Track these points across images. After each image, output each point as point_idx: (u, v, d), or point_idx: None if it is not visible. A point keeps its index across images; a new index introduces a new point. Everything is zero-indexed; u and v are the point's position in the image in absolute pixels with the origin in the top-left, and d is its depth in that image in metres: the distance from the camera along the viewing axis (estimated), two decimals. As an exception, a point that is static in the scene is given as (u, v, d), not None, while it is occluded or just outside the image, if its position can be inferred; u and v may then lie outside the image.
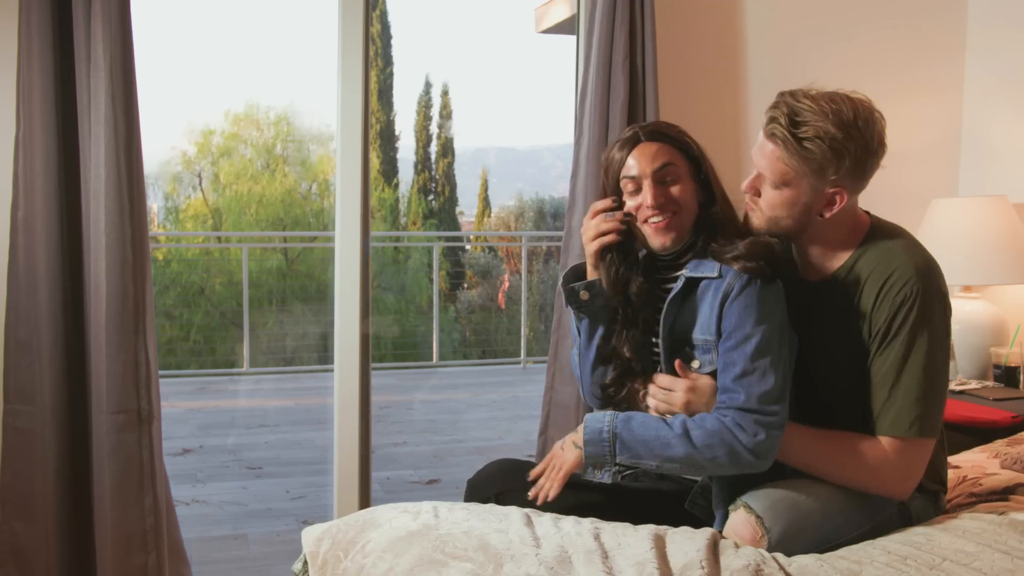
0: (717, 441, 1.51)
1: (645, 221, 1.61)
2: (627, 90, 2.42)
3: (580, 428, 1.61)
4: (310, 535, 1.57)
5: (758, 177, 1.63)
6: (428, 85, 12.06)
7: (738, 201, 1.69)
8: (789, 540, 1.47)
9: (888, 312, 1.57)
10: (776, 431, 1.51)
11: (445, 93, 12.02)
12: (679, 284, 1.60)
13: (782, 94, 1.62)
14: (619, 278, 1.65)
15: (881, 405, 1.57)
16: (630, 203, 1.62)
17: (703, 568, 1.35)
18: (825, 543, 1.50)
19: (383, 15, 11.19)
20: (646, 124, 1.67)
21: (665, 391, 1.61)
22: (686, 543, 1.43)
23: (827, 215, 1.61)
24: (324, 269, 8.35)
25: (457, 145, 12.04)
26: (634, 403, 1.71)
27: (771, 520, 1.48)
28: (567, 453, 1.61)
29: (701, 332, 1.58)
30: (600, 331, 1.70)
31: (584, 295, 1.68)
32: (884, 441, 1.56)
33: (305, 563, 1.57)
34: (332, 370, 2.45)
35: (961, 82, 3.03)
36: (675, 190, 1.60)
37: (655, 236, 1.61)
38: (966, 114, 3.03)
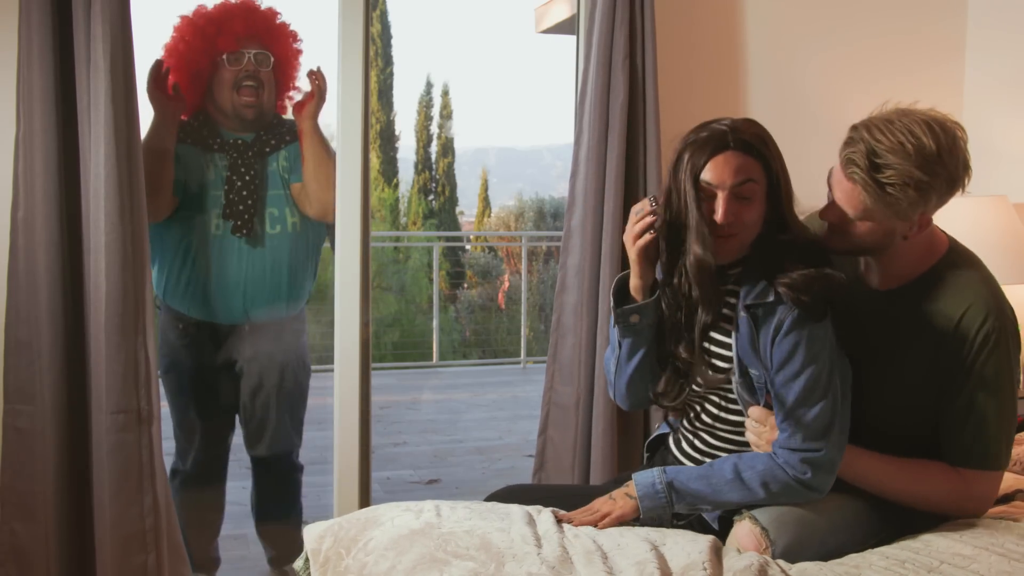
0: (771, 480, 1.51)
1: (716, 235, 1.54)
2: (627, 90, 2.41)
3: (629, 484, 1.60)
4: (312, 533, 1.58)
5: (835, 206, 1.59)
6: (428, 85, 12.06)
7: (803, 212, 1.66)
8: (793, 554, 1.47)
9: (971, 343, 1.56)
10: (824, 466, 1.51)
11: (445, 93, 12.03)
12: (741, 314, 1.56)
13: (856, 128, 1.56)
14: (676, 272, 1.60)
15: (964, 436, 1.58)
16: (700, 207, 1.53)
17: (705, 569, 1.35)
18: (830, 557, 1.50)
19: (383, 15, 11.19)
20: (738, 126, 1.55)
21: (756, 424, 1.58)
22: (687, 545, 1.43)
23: (910, 237, 1.59)
24: (324, 269, 8.34)
25: (457, 145, 12.05)
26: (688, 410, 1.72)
27: (776, 532, 1.48)
28: (619, 502, 1.59)
29: (758, 364, 1.56)
30: (642, 352, 1.66)
31: (635, 318, 1.63)
32: (966, 472, 1.58)
33: (307, 561, 1.57)
34: (332, 370, 2.44)
35: (961, 82, 3.03)
36: (748, 211, 1.53)
37: (716, 248, 1.54)
38: (966, 114, 3.03)
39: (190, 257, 2.49)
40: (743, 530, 1.51)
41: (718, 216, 1.52)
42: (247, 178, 2.48)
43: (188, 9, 2.47)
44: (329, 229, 2.61)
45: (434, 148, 12.02)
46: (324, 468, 4.44)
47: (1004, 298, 1.62)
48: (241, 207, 2.47)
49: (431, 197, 11.93)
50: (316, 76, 2.47)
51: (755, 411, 1.59)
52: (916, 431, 1.63)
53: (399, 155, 11.68)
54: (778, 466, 1.51)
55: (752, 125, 1.58)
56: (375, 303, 8.39)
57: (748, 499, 1.53)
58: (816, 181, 2.67)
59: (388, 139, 11.65)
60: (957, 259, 1.65)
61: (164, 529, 2.15)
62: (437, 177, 11.97)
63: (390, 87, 11.67)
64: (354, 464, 2.43)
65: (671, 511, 1.57)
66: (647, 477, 1.59)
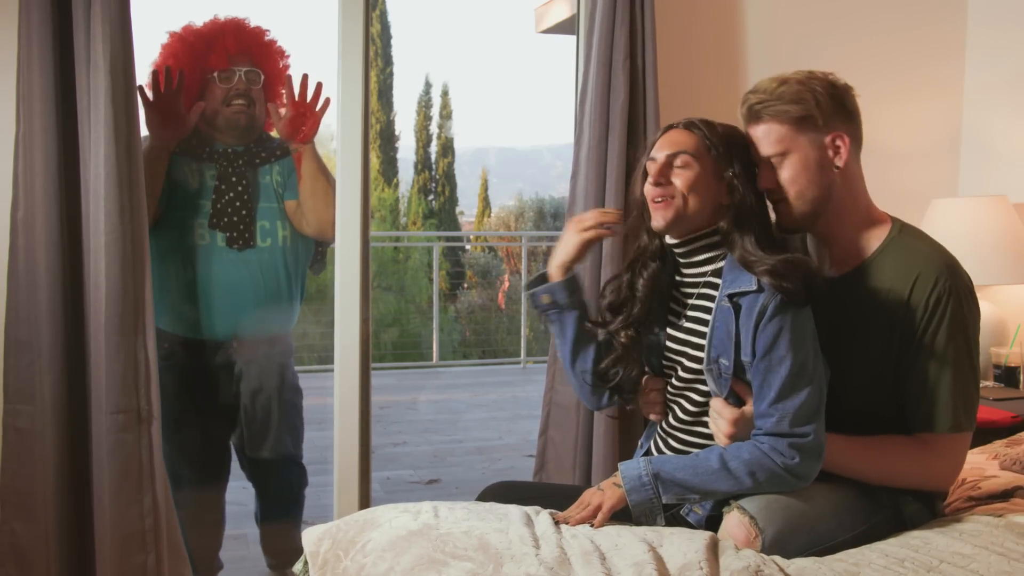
0: (757, 468, 1.51)
1: (652, 201, 1.63)
2: (627, 90, 2.41)
3: (616, 474, 1.61)
4: (310, 535, 1.58)
5: (765, 167, 1.66)
6: (428, 85, 12.08)
7: None
8: (783, 541, 1.48)
9: (922, 311, 1.59)
10: (812, 451, 1.51)
11: (445, 93, 12.04)
12: (723, 303, 1.58)
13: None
14: (633, 266, 1.69)
15: (922, 403, 1.59)
16: (645, 189, 1.65)
17: (702, 569, 1.35)
18: (818, 544, 1.51)
19: (383, 15, 11.19)
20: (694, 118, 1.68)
21: (715, 415, 1.60)
22: (684, 544, 1.43)
23: (840, 164, 1.65)
24: (324, 271, 8.33)
25: (457, 145, 12.06)
26: (640, 398, 1.73)
27: (765, 521, 1.48)
28: (607, 492, 1.60)
29: (743, 354, 1.56)
30: (569, 336, 1.76)
31: (546, 298, 1.75)
32: (928, 438, 1.59)
33: (305, 563, 1.57)
34: (332, 370, 2.45)
35: (961, 82, 3.03)
36: (679, 174, 1.60)
37: (653, 216, 1.63)
38: (966, 114, 3.03)
39: (172, 270, 2.44)
40: (732, 521, 1.51)
41: (650, 179, 1.63)
42: (239, 188, 2.46)
43: (176, 26, 2.48)
44: (319, 245, 2.61)
45: (434, 148, 12.03)
46: (324, 468, 4.45)
47: (955, 262, 1.64)
48: (235, 218, 2.45)
49: (431, 197, 11.94)
50: (317, 97, 2.44)
51: (715, 403, 1.60)
52: (887, 410, 1.64)
53: (399, 155, 11.70)
54: (764, 454, 1.51)
55: (706, 119, 1.65)
56: (375, 303, 8.40)
57: (735, 488, 1.53)
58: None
59: (388, 139, 11.66)
60: (902, 234, 1.68)
61: (164, 529, 2.15)
62: (437, 177, 11.98)
63: (390, 87, 11.68)
64: (354, 464, 2.43)
65: (659, 502, 1.57)
66: (633, 468, 1.58)
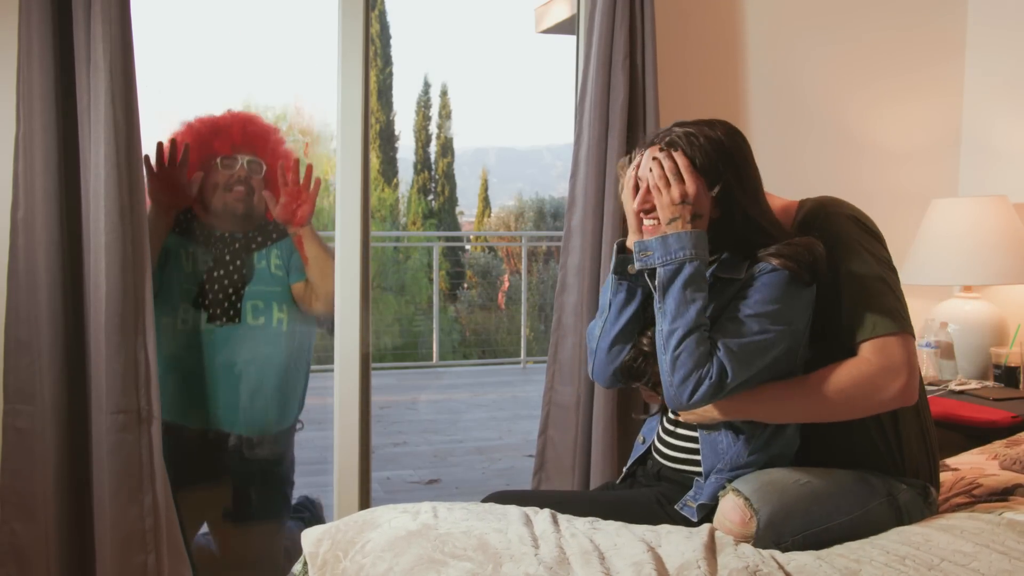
0: (692, 365, 1.51)
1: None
2: (627, 90, 2.42)
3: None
4: (309, 536, 1.58)
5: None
6: (427, 85, 12.08)
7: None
8: (778, 522, 1.49)
9: (828, 252, 1.62)
10: (714, 389, 1.51)
11: (444, 93, 12.04)
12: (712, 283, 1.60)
13: None
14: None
15: (848, 320, 1.61)
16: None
17: (700, 568, 1.35)
18: (814, 526, 1.52)
19: (382, 15, 11.20)
20: (682, 125, 1.64)
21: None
22: (682, 543, 1.43)
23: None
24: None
25: (457, 145, 12.06)
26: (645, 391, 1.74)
27: (759, 502, 1.50)
28: None
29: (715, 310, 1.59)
30: (632, 309, 1.69)
31: (632, 268, 1.67)
32: (864, 350, 1.59)
33: (305, 564, 1.57)
34: (332, 370, 2.45)
35: (961, 82, 3.03)
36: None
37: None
38: (966, 114, 3.03)
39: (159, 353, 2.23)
40: (728, 504, 1.52)
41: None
42: (230, 268, 2.46)
43: (191, 116, 2.51)
44: (321, 325, 2.58)
45: (433, 148, 12.03)
46: (324, 468, 4.46)
47: (840, 200, 1.71)
48: (221, 295, 2.43)
49: (431, 197, 11.94)
50: (308, 181, 2.45)
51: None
52: None
53: (399, 155, 11.70)
54: (708, 347, 1.52)
55: (690, 129, 1.62)
56: (375, 303, 8.40)
57: (673, 322, 1.53)
58: (813, 178, 2.68)
59: (388, 139, 11.66)
60: (800, 208, 1.73)
61: (164, 529, 2.15)
62: (437, 177, 11.98)
63: (389, 87, 11.68)
64: (354, 464, 2.43)
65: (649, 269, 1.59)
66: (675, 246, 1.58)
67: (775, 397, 1.59)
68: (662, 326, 1.56)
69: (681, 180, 1.57)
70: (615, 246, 1.72)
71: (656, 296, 1.58)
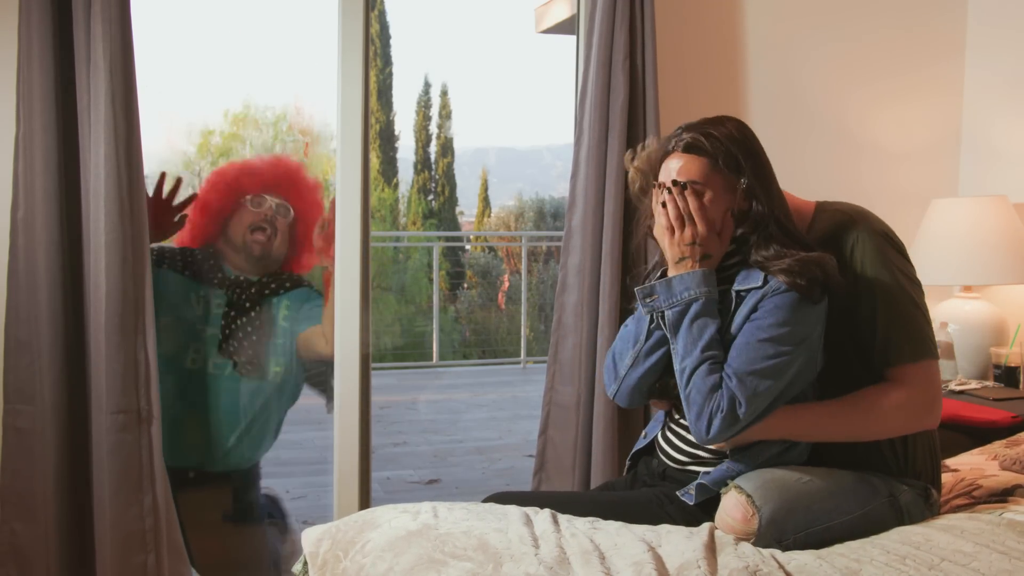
0: (702, 400, 1.52)
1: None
2: (627, 90, 2.42)
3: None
4: (310, 536, 1.58)
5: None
6: (427, 85, 12.07)
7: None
8: (780, 520, 1.49)
9: (852, 268, 1.63)
10: (729, 424, 1.51)
11: (445, 93, 12.03)
12: (733, 299, 1.60)
13: None
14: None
15: (875, 343, 1.61)
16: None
17: (700, 568, 1.35)
18: (815, 525, 1.52)
19: (382, 15, 11.19)
20: (690, 128, 1.63)
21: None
22: (682, 543, 1.43)
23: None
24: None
25: (457, 145, 12.05)
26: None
27: (761, 499, 1.50)
28: None
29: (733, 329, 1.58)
30: (666, 349, 1.65)
31: (637, 308, 1.68)
32: (901, 376, 1.60)
33: (305, 564, 1.57)
34: (332, 370, 2.45)
35: (961, 82, 3.03)
36: (694, 205, 1.59)
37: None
38: (966, 114, 3.03)
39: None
40: (730, 500, 1.53)
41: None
42: (251, 315, 2.48)
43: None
44: (310, 379, 2.61)
45: (434, 148, 12.03)
46: (324, 468, 4.46)
47: (862, 213, 1.69)
48: (247, 345, 2.46)
49: (431, 197, 11.93)
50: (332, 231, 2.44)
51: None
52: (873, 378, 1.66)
53: (399, 155, 11.69)
54: (717, 382, 1.52)
55: (707, 127, 1.62)
56: (375, 303, 8.40)
57: (686, 354, 1.55)
58: (813, 178, 2.68)
59: (388, 139, 11.65)
60: (819, 211, 1.72)
61: (164, 529, 2.15)
62: (437, 177, 11.97)
63: (389, 87, 11.67)
64: (354, 464, 2.43)
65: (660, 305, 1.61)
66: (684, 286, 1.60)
67: (813, 422, 1.59)
68: (676, 364, 1.58)
69: (694, 222, 1.58)
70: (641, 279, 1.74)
71: (668, 336, 1.60)
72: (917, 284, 1.67)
